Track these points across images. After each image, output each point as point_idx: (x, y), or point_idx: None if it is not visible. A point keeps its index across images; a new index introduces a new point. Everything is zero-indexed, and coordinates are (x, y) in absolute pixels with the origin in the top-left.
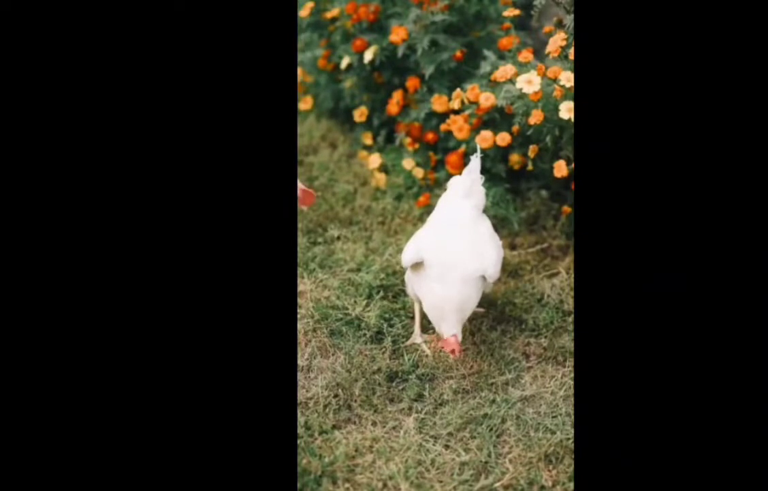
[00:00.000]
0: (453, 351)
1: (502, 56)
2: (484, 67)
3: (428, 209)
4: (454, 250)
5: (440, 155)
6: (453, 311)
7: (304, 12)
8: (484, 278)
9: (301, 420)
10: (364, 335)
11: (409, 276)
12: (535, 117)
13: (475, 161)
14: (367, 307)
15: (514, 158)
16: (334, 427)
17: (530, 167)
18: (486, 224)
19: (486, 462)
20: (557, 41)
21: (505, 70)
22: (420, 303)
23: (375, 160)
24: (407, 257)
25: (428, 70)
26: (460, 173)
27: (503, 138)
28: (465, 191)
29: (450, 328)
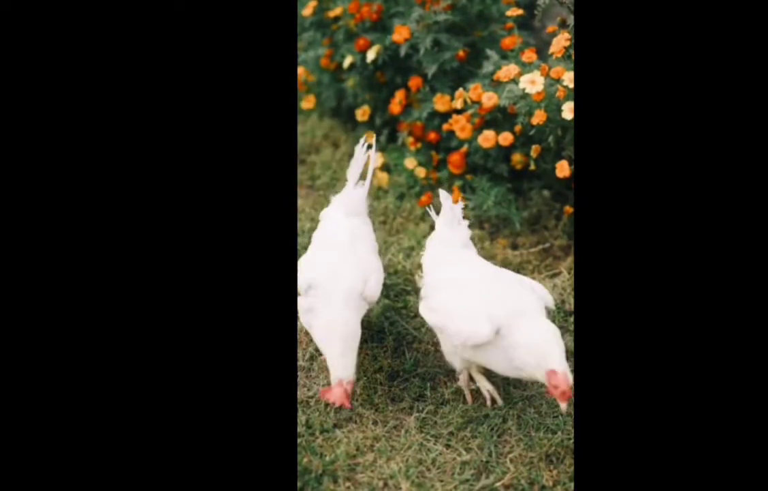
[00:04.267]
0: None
1: (504, 56)
2: (487, 67)
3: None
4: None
5: (442, 155)
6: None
7: (307, 11)
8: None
9: (302, 418)
10: (365, 334)
11: (466, 356)
12: (538, 117)
13: (453, 206)
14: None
15: (516, 157)
16: (335, 426)
17: (532, 166)
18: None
19: (487, 462)
20: (561, 41)
21: (508, 69)
22: (481, 372)
23: (377, 159)
24: (481, 333)
25: (431, 70)
26: (461, 173)
27: (505, 138)
28: (463, 243)
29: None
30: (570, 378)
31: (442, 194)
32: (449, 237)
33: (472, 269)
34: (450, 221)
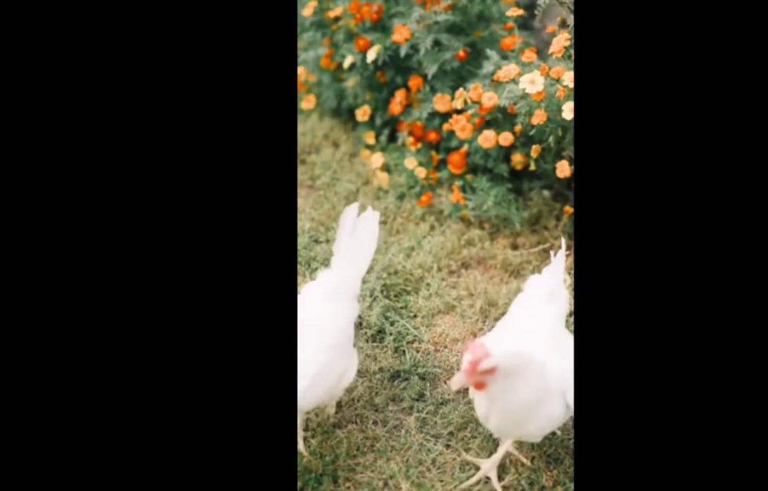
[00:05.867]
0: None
1: (505, 56)
2: (487, 67)
3: (430, 208)
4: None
5: (443, 155)
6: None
7: (307, 11)
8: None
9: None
10: (366, 334)
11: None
12: (538, 117)
13: (560, 260)
14: (369, 307)
15: (517, 157)
16: (335, 426)
17: (533, 167)
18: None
19: None
20: (560, 41)
21: (508, 70)
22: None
23: (377, 159)
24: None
25: (431, 70)
26: (462, 173)
27: (506, 138)
28: (548, 295)
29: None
30: (485, 362)
31: (563, 242)
32: (539, 286)
33: (519, 323)
34: (549, 270)
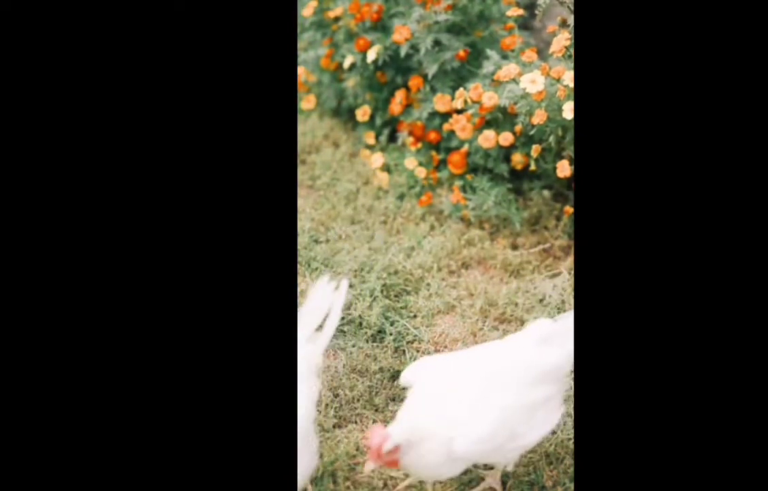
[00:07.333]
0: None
1: (505, 56)
2: (487, 67)
3: (430, 208)
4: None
5: (443, 155)
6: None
7: (307, 11)
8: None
9: None
10: (365, 334)
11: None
12: (539, 117)
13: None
14: (369, 307)
15: (517, 157)
16: (335, 426)
17: (533, 167)
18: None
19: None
20: (561, 41)
21: (509, 69)
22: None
23: (377, 159)
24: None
25: (431, 70)
26: (462, 173)
27: (506, 138)
28: (542, 337)
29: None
30: (386, 444)
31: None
32: (536, 330)
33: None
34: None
